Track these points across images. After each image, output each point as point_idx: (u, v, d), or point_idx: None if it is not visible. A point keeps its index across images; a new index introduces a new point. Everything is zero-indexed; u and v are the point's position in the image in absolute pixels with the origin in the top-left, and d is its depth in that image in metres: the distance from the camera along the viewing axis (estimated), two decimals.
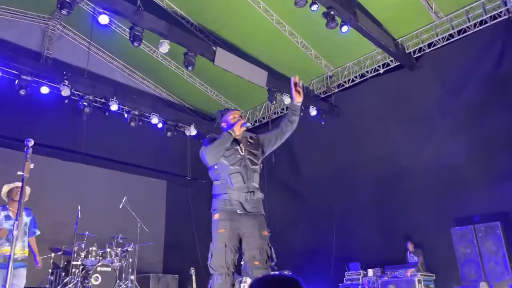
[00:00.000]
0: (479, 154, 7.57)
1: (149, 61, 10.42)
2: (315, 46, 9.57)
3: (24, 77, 7.92)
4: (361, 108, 9.67)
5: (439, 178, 7.96)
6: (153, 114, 9.95)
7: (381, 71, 9.49)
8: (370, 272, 7.94)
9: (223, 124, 3.50)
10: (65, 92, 8.30)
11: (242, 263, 3.30)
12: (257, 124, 11.83)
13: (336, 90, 10.33)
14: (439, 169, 8.01)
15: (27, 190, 5.05)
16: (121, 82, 10.81)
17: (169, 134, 10.37)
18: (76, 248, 7.29)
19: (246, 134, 3.43)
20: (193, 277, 6.57)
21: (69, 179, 9.31)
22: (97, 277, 7.17)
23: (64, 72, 8.39)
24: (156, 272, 9.66)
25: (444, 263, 7.54)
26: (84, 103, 8.72)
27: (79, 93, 8.77)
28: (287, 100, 9.78)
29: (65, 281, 7.11)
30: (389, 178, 8.67)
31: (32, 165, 2.73)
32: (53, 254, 7.34)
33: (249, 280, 5.11)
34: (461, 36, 8.35)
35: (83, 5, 8.41)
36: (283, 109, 11.18)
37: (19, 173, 2.72)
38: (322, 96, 10.53)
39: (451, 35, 8.48)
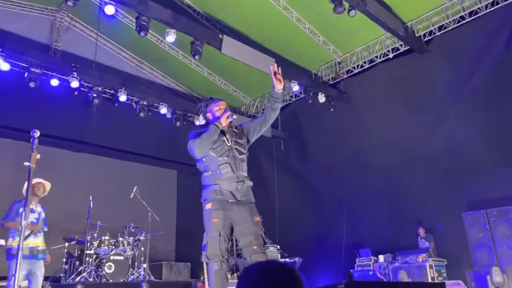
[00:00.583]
0: (491, 138, 7.46)
1: (156, 51, 10.42)
2: (323, 32, 9.46)
3: (34, 69, 8.00)
4: (370, 94, 9.57)
5: (450, 163, 7.87)
6: (161, 104, 10.00)
7: (391, 56, 9.35)
8: (381, 258, 7.93)
9: (208, 115, 3.52)
10: (74, 84, 8.40)
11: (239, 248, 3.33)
12: None
13: (345, 76, 10.22)
14: (450, 153, 7.92)
15: (48, 185, 5.27)
16: (129, 73, 10.85)
17: (178, 123, 10.43)
18: (89, 237, 7.41)
19: (230, 125, 3.45)
20: (204, 265, 6.64)
21: (80, 170, 9.42)
22: (110, 265, 7.29)
23: (73, 64, 8.46)
24: (168, 260, 9.77)
25: (455, 248, 7.49)
26: (93, 95, 8.81)
27: (88, 84, 8.85)
28: (295, 87, 9.72)
29: (79, 269, 7.24)
30: (399, 163, 8.60)
31: (38, 156, 2.76)
32: (67, 244, 7.46)
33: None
34: (472, 18, 8.17)
35: None
36: (291, 96, 11.12)
37: (26, 163, 2.76)
38: (331, 82, 10.44)
39: (462, 17, 8.30)
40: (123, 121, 9.91)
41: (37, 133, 2.86)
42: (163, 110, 10.00)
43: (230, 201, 3.23)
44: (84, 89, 8.88)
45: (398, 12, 8.52)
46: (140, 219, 8.53)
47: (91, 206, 7.52)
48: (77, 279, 7.05)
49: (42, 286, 5.18)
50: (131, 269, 7.60)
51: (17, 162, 7.56)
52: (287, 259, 8.04)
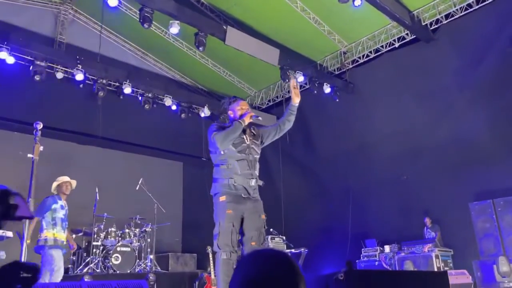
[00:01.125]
0: (498, 127, 7.38)
1: (161, 43, 10.39)
2: (328, 22, 9.36)
3: (38, 63, 8.02)
4: (376, 84, 9.49)
5: (457, 153, 7.81)
6: (166, 96, 9.99)
7: (397, 45, 9.25)
8: (387, 248, 7.93)
9: (230, 112, 3.72)
10: (79, 76, 8.42)
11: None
12: (270, 103, 11.76)
13: (351, 66, 10.14)
14: (457, 143, 7.85)
15: (74, 183, 5.47)
16: (134, 65, 10.84)
17: (183, 115, 10.44)
18: (96, 229, 7.49)
19: (249, 126, 3.70)
20: (210, 256, 6.68)
21: (86, 162, 9.45)
22: (117, 256, 7.37)
23: (77, 57, 8.47)
24: (175, 251, 9.84)
25: (462, 238, 7.46)
26: (98, 87, 8.83)
27: (92, 77, 8.88)
28: (300, 78, 9.66)
29: (86, 260, 7.33)
30: (405, 153, 8.55)
31: (41, 148, 2.77)
32: (74, 236, 7.51)
33: None
34: (480, 5, 8.04)
35: None
36: None
37: (29, 155, 2.77)
38: (336, 72, 10.36)
39: (470, 5, 8.17)
40: (128, 113, 9.93)
41: (40, 125, 2.88)
42: (168, 102, 10.00)
43: (243, 196, 3.41)
44: (89, 82, 8.91)
45: (404, 1, 8.40)
46: (146, 210, 8.58)
47: (98, 198, 7.58)
48: (85, 270, 7.14)
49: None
50: (137, 260, 7.68)
51: (22, 155, 7.63)
52: (292, 250, 8.06)
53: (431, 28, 8.72)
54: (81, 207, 8.57)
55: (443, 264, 7.08)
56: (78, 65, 8.34)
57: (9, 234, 5.07)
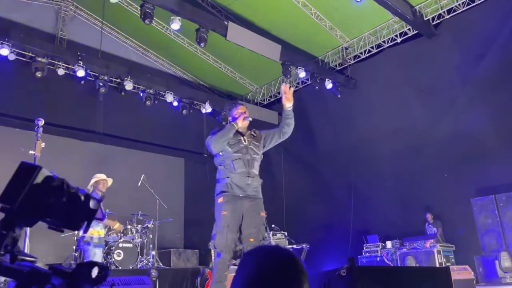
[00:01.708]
0: (500, 123, 7.36)
1: (162, 39, 10.37)
2: (329, 17, 9.32)
3: (40, 59, 8.01)
4: (378, 79, 9.46)
5: (459, 148, 7.79)
6: (168, 93, 9.99)
7: (399, 40, 9.21)
8: (389, 244, 7.93)
9: (230, 118, 3.97)
10: (80, 73, 8.41)
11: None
12: (272, 99, 11.73)
13: (352, 61, 10.10)
14: (459, 139, 7.83)
15: (110, 181, 5.49)
16: (135, 61, 10.83)
17: (184, 112, 10.43)
18: None
19: (250, 128, 3.90)
20: (212, 252, 6.70)
21: (87, 158, 9.46)
22: (119, 252, 7.37)
23: (79, 53, 8.46)
24: (177, 247, 9.86)
25: (464, 234, 7.46)
26: (100, 83, 8.83)
27: (94, 73, 8.87)
28: (301, 74, 9.63)
29: None
30: (407, 149, 8.53)
31: (43, 144, 2.77)
32: (76, 232, 7.55)
33: None
34: (482, 0, 7.99)
35: None
36: (298, 83, 11.02)
37: (31, 152, 2.77)
38: (338, 68, 10.33)
39: (472, 0, 8.12)
40: (130, 109, 9.93)
41: (41, 122, 2.87)
42: (170, 98, 10.00)
43: (240, 195, 3.56)
44: (91, 78, 8.90)
45: None
46: (148, 207, 8.59)
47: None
48: None
49: None
50: (140, 256, 7.69)
51: (24, 151, 7.64)
52: (294, 246, 8.06)
53: (433, 23, 8.67)
54: None
55: (445, 260, 7.08)
56: (79, 62, 8.35)
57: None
